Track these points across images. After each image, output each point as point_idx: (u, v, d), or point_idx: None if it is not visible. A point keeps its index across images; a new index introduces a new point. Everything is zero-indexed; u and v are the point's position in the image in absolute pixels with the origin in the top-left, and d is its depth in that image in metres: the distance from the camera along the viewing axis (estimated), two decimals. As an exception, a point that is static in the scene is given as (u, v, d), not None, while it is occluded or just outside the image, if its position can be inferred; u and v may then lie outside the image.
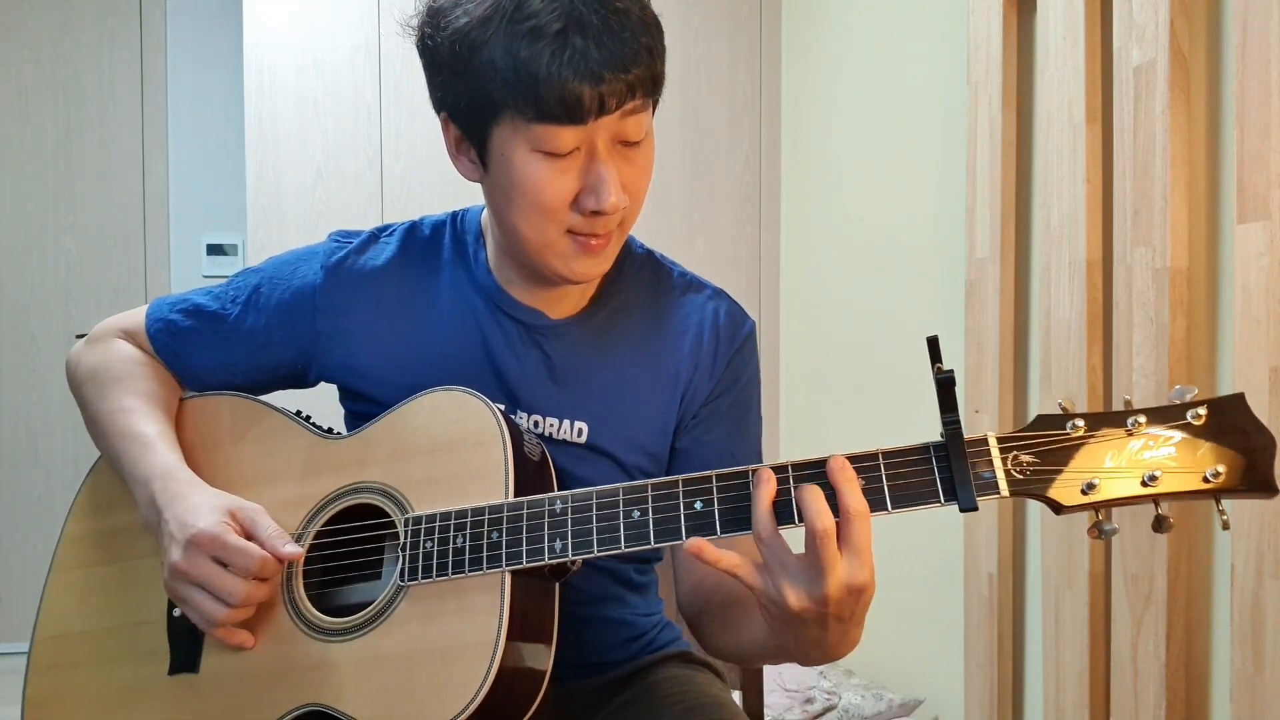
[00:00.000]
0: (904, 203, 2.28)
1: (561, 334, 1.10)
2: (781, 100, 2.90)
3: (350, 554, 1.02)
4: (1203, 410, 0.79)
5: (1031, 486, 0.81)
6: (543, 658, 0.93)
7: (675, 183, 2.84)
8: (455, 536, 0.93)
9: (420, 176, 2.73)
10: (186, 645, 1.02)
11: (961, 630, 2.01)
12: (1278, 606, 1.30)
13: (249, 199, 2.68)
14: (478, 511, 0.94)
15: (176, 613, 1.03)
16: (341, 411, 1.17)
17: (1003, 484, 0.81)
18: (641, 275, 1.15)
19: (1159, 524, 0.80)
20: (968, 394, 1.94)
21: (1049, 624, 1.74)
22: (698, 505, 0.87)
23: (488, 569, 0.91)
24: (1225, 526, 0.79)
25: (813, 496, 0.81)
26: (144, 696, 1.02)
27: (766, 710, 1.67)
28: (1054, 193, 1.72)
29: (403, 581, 0.95)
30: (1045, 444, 0.81)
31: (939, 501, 0.82)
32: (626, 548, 0.88)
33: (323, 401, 1.20)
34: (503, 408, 1.00)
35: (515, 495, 0.94)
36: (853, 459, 0.84)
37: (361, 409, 1.11)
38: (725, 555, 0.84)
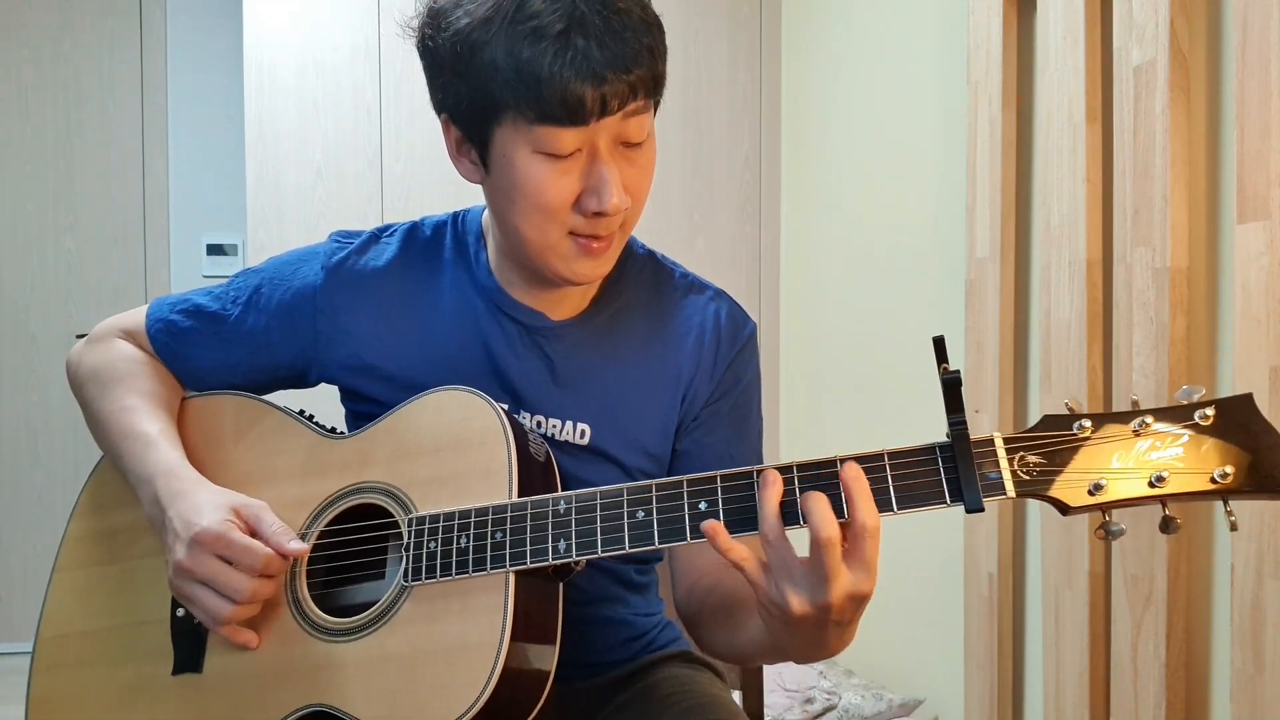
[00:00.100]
0: (904, 203, 2.28)
1: (563, 335, 1.10)
2: (781, 100, 2.90)
3: (354, 554, 1.02)
4: (1210, 410, 0.78)
5: (1038, 487, 0.80)
6: (547, 658, 0.94)
7: (675, 183, 2.84)
8: (459, 537, 0.93)
9: (420, 176, 2.73)
10: (190, 645, 1.02)
11: (961, 630, 2.01)
12: (1278, 606, 1.31)
13: (249, 199, 2.68)
14: (481, 512, 0.94)
15: (180, 612, 1.03)
16: (343, 411, 1.17)
17: (1009, 485, 0.81)
18: (643, 276, 1.15)
19: (1166, 525, 0.79)
20: (968, 394, 1.94)
21: (1049, 624, 1.75)
22: (702, 505, 0.87)
23: (491, 569, 0.91)
24: (1233, 528, 0.78)
25: (818, 504, 0.81)
26: (147, 696, 1.02)
27: (766, 710, 1.67)
28: (1054, 193, 1.73)
29: (406, 582, 0.95)
30: (1052, 444, 0.81)
31: (945, 503, 0.82)
32: (631, 548, 0.88)
33: (325, 401, 1.20)
34: (506, 407, 1.00)
35: (519, 495, 0.94)
36: (858, 459, 0.84)
37: (362, 409, 1.11)
38: (736, 547, 0.84)
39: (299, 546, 0.97)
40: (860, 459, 0.84)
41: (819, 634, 0.86)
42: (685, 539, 0.87)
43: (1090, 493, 0.79)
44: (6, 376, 3.59)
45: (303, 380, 1.15)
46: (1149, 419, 0.79)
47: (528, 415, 1.09)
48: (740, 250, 2.90)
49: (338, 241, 1.15)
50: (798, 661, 0.93)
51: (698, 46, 2.85)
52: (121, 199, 3.63)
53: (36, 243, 3.60)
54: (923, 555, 2.18)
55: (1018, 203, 1.89)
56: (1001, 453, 0.81)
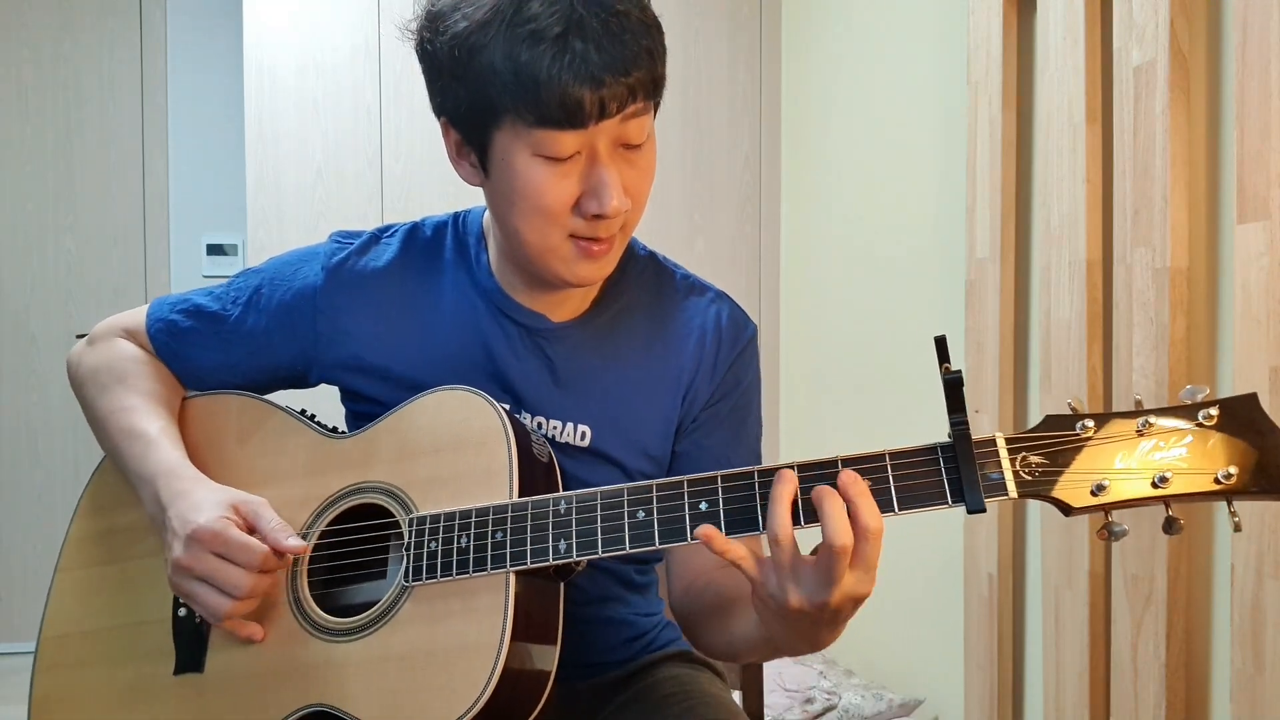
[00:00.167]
0: (904, 203, 2.28)
1: (564, 337, 1.10)
2: (781, 100, 2.90)
3: (355, 554, 1.02)
4: (1214, 411, 0.78)
5: (1040, 488, 0.80)
6: (548, 658, 0.94)
7: (675, 183, 2.84)
8: (460, 536, 0.93)
9: (420, 177, 2.73)
10: (191, 645, 1.02)
11: (961, 630, 2.01)
12: (1278, 606, 1.31)
13: (249, 199, 2.68)
14: (482, 512, 0.94)
15: (182, 612, 1.03)
16: (344, 411, 1.17)
17: (1011, 485, 0.80)
18: (644, 278, 1.15)
19: (1169, 525, 0.79)
20: (968, 394, 1.93)
21: (1049, 624, 1.75)
22: (703, 506, 0.87)
23: (492, 569, 0.91)
24: (1237, 529, 0.78)
25: (836, 509, 0.80)
26: (149, 696, 1.02)
27: (766, 710, 1.67)
28: (1054, 193, 1.73)
29: (407, 582, 0.95)
30: (1054, 445, 0.81)
31: (946, 503, 0.82)
32: (632, 548, 0.88)
33: (326, 401, 1.20)
34: (508, 407, 1.00)
35: (520, 495, 0.94)
36: (859, 460, 0.84)
37: (362, 409, 1.11)
38: (733, 546, 0.84)
39: (297, 544, 0.97)
40: (861, 459, 0.83)
41: (814, 630, 0.86)
42: (686, 539, 0.87)
43: (1093, 493, 0.79)
44: (6, 376, 3.59)
45: (303, 380, 1.15)
46: (1152, 419, 0.79)
47: (528, 416, 1.09)
48: (740, 250, 2.90)
49: (338, 242, 1.15)
50: (789, 654, 0.93)
51: (698, 46, 2.85)
52: (121, 199, 3.63)
53: (36, 243, 3.60)
54: (923, 555, 2.18)
55: (1018, 203, 1.89)
56: (1003, 453, 0.81)
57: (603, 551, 0.89)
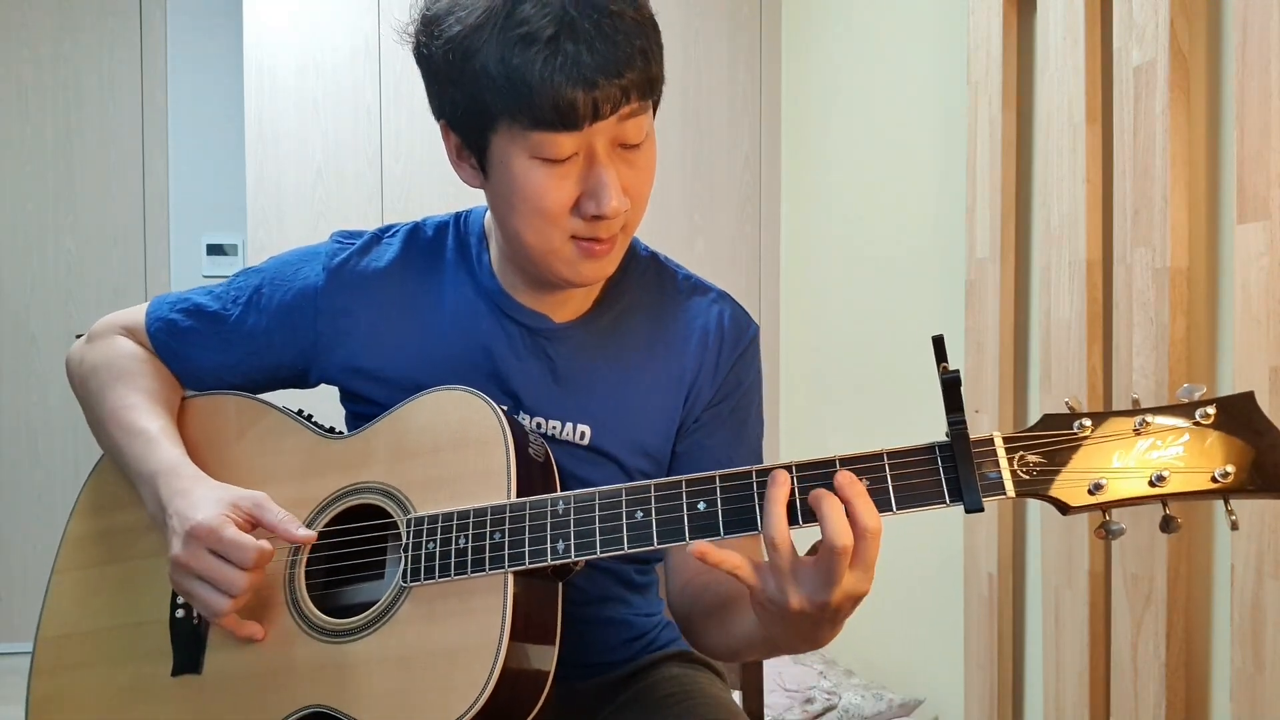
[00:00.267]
0: (904, 203, 2.28)
1: (565, 337, 1.10)
2: (781, 100, 2.90)
3: (353, 554, 1.02)
4: (1211, 409, 0.78)
5: (1038, 487, 0.80)
6: (546, 658, 0.93)
7: (675, 183, 2.84)
8: (458, 537, 0.93)
9: (420, 177, 2.73)
10: (189, 646, 1.02)
11: (961, 630, 2.01)
12: (1278, 606, 1.31)
13: (249, 199, 2.68)
14: (480, 512, 0.93)
15: (179, 613, 1.03)
16: (343, 412, 1.17)
17: (1009, 485, 0.80)
18: (646, 278, 1.14)
19: (1166, 524, 0.79)
20: (968, 394, 1.94)
21: (1049, 624, 1.75)
22: (701, 506, 0.87)
23: (490, 570, 0.91)
24: (1234, 527, 0.78)
25: (834, 511, 0.80)
26: (147, 697, 1.02)
27: (766, 710, 1.67)
28: (1054, 193, 1.73)
29: (405, 582, 0.95)
30: (1052, 444, 0.81)
31: (944, 503, 0.82)
32: (630, 549, 0.88)
33: (325, 401, 1.20)
34: (505, 408, 1.00)
35: (518, 496, 0.94)
36: (857, 459, 0.84)
37: (362, 410, 1.11)
38: (728, 557, 0.84)
39: (306, 533, 0.97)
40: (859, 459, 0.83)
41: (814, 629, 0.86)
42: (684, 539, 0.87)
43: (1090, 492, 0.79)
44: (6, 376, 3.59)
45: (302, 381, 1.15)
46: (1149, 418, 0.79)
47: (527, 417, 1.08)
48: (740, 251, 2.90)
49: (339, 242, 1.15)
50: (788, 653, 0.93)
51: (698, 46, 2.84)
52: (121, 199, 3.63)
53: (36, 243, 3.60)
54: (923, 555, 2.18)
55: (1018, 203, 1.88)
56: (1001, 452, 0.81)
57: (601, 552, 0.89)
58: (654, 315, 1.13)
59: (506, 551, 0.91)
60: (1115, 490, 0.79)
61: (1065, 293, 1.69)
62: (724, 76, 2.87)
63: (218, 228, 3.65)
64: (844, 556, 0.80)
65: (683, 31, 2.82)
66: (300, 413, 1.11)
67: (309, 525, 1.02)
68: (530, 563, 0.90)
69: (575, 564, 0.91)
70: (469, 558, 0.92)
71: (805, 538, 0.84)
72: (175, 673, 1.02)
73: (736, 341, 1.14)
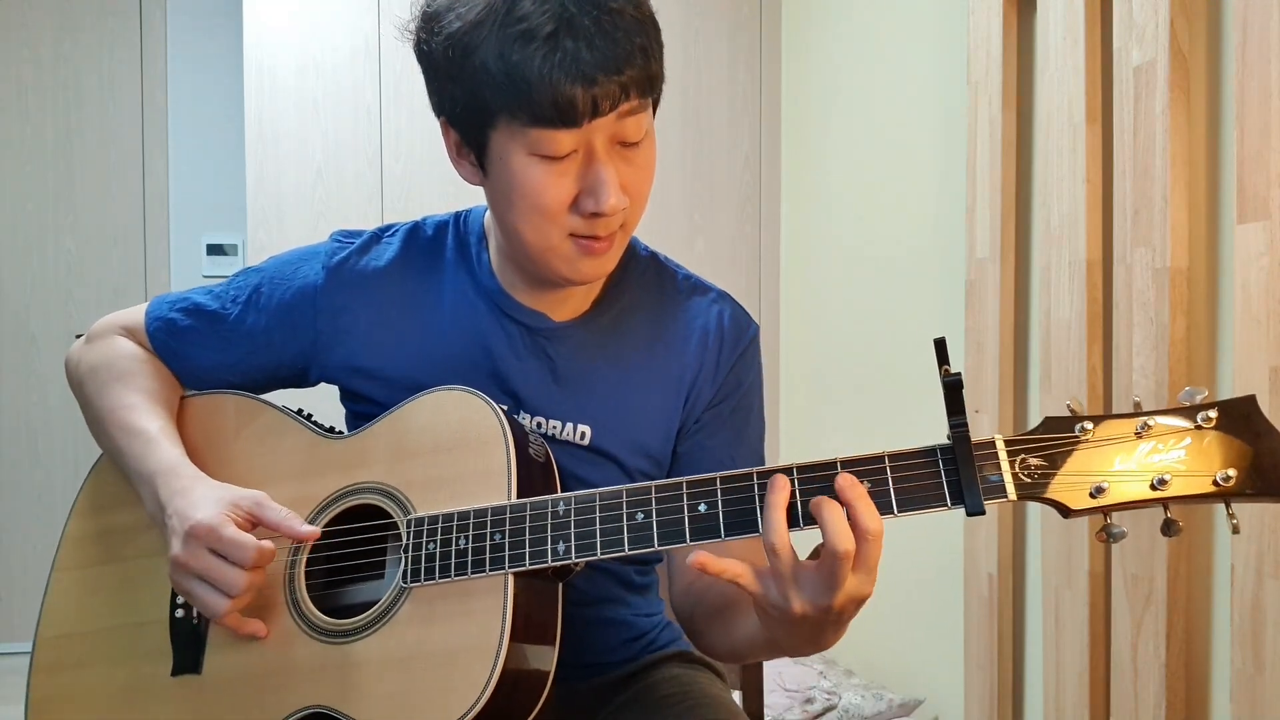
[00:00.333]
0: (904, 203, 2.28)
1: (565, 337, 1.10)
2: (781, 100, 2.90)
3: (352, 555, 1.02)
4: (1213, 412, 0.78)
5: (1039, 490, 0.80)
6: (546, 659, 0.93)
7: (675, 183, 2.84)
8: (458, 538, 0.93)
9: (420, 177, 2.73)
10: (189, 646, 1.02)
11: (961, 630, 2.01)
12: (1278, 606, 1.31)
13: (249, 199, 2.68)
14: (480, 513, 0.93)
15: (179, 613, 1.03)
16: (343, 411, 1.17)
17: (1010, 488, 0.80)
18: (646, 278, 1.14)
19: (1168, 527, 0.79)
20: (968, 394, 1.94)
21: (1049, 624, 1.75)
22: (702, 508, 0.87)
23: (490, 571, 0.91)
24: (1235, 530, 0.77)
25: (835, 516, 0.80)
26: (147, 697, 1.02)
27: (766, 710, 1.67)
28: (1054, 193, 1.73)
29: (405, 583, 0.95)
30: (1053, 446, 0.80)
31: (946, 505, 0.82)
32: (630, 550, 0.88)
33: (324, 401, 1.20)
34: (506, 408, 1.00)
35: (518, 496, 0.94)
36: (858, 461, 0.83)
37: (362, 409, 1.11)
38: (729, 566, 0.84)
39: (310, 529, 0.97)
40: (860, 461, 0.83)
41: (817, 632, 0.86)
42: (685, 541, 0.87)
43: (1092, 495, 0.79)
44: (6, 376, 3.59)
45: (302, 380, 1.15)
46: (1151, 421, 0.79)
47: (528, 417, 1.08)
48: (740, 250, 2.90)
49: (339, 241, 1.15)
50: (792, 655, 0.93)
51: (698, 46, 2.84)
52: (121, 199, 3.63)
53: (36, 243, 3.60)
54: (923, 556, 2.18)
55: (1018, 203, 1.88)
56: (1003, 455, 0.81)
57: (601, 553, 0.89)
58: (654, 315, 1.13)
59: (507, 552, 0.91)
60: (1117, 493, 0.79)
61: (1065, 293, 1.69)
62: (724, 76, 2.87)
63: (218, 228, 3.65)
64: (846, 560, 0.80)
65: (683, 31, 2.82)
66: (300, 412, 1.10)
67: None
68: (531, 564, 0.90)
69: (575, 565, 0.91)
70: (469, 558, 0.92)
71: (807, 540, 0.84)
72: (175, 673, 1.02)
73: (736, 341, 1.14)
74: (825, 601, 0.81)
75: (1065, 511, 0.80)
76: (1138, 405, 0.80)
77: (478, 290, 1.11)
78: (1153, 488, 0.78)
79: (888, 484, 0.82)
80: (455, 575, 0.92)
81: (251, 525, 0.97)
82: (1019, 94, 1.88)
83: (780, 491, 0.83)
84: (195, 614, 1.02)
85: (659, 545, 0.88)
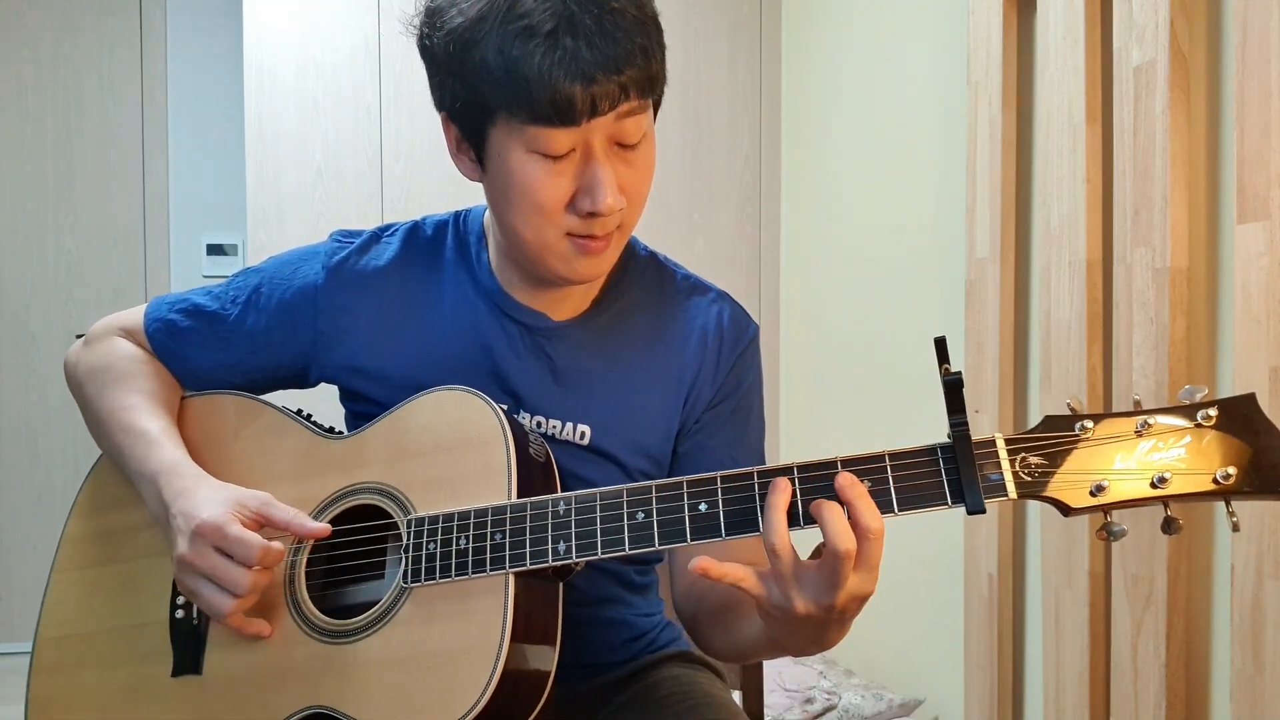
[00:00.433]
0: (904, 203, 2.28)
1: (564, 336, 1.10)
2: (781, 100, 2.90)
3: (353, 555, 1.02)
4: (1213, 411, 0.78)
5: (1039, 489, 0.80)
6: (547, 659, 0.93)
7: (675, 183, 2.84)
8: (458, 538, 0.93)
9: (420, 176, 2.73)
10: (189, 646, 1.02)
11: (961, 630, 2.01)
12: (1278, 606, 1.31)
13: (249, 199, 2.68)
14: (480, 513, 0.93)
15: (179, 614, 1.03)
16: (342, 412, 1.17)
17: (1010, 486, 0.80)
18: (645, 277, 1.14)
19: (1168, 525, 0.79)
20: (968, 394, 1.93)
21: (1049, 624, 1.75)
22: (702, 507, 0.87)
23: (491, 570, 0.91)
24: (1235, 529, 0.78)
25: (835, 515, 0.81)
26: (147, 698, 1.02)
27: (766, 710, 1.67)
28: (1054, 193, 1.73)
29: (406, 583, 0.95)
30: (1053, 445, 0.81)
31: (946, 504, 0.82)
32: (631, 550, 0.88)
33: (325, 401, 1.20)
34: (506, 407, 1.00)
35: (518, 496, 0.94)
36: (858, 460, 0.84)
37: (362, 409, 1.11)
38: (731, 570, 0.84)
39: (319, 527, 0.97)
40: (861, 460, 0.83)
41: (820, 631, 0.86)
42: (685, 540, 0.87)
43: (1092, 494, 0.79)
44: (6, 376, 3.59)
45: (302, 380, 1.15)
46: (1151, 419, 0.79)
47: (527, 416, 1.08)
48: (740, 250, 2.90)
49: (338, 241, 1.15)
50: (795, 655, 0.93)
51: (698, 46, 2.84)
52: (121, 199, 3.63)
53: (36, 243, 3.60)
54: (923, 555, 2.18)
55: (1018, 203, 1.88)
56: (1003, 454, 0.81)
57: (602, 553, 0.89)
58: (653, 315, 1.13)
59: (507, 552, 0.91)
60: (1117, 492, 0.79)
61: (1065, 293, 1.69)
62: (724, 76, 2.87)
63: (218, 228, 3.65)
64: (848, 560, 0.80)
65: (683, 31, 2.82)
66: (299, 412, 1.10)
67: (310, 526, 1.02)
68: (531, 563, 0.90)
69: (576, 565, 0.91)
70: (470, 558, 0.92)
71: (808, 539, 0.84)
72: (175, 673, 1.02)
73: (736, 341, 1.13)
74: (828, 601, 0.81)
75: (1065, 510, 0.80)
76: (1137, 404, 0.81)
77: (477, 290, 1.11)
78: (1153, 486, 0.78)
79: (888, 483, 0.83)
80: (455, 575, 0.92)
81: (258, 525, 0.97)
82: (1019, 94, 1.88)
83: (780, 493, 0.83)
84: (195, 614, 1.02)
85: (660, 544, 0.88)
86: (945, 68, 2.12)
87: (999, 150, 1.88)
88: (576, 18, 0.89)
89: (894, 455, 0.83)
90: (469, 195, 1.11)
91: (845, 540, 0.80)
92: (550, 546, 0.90)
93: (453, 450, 0.98)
